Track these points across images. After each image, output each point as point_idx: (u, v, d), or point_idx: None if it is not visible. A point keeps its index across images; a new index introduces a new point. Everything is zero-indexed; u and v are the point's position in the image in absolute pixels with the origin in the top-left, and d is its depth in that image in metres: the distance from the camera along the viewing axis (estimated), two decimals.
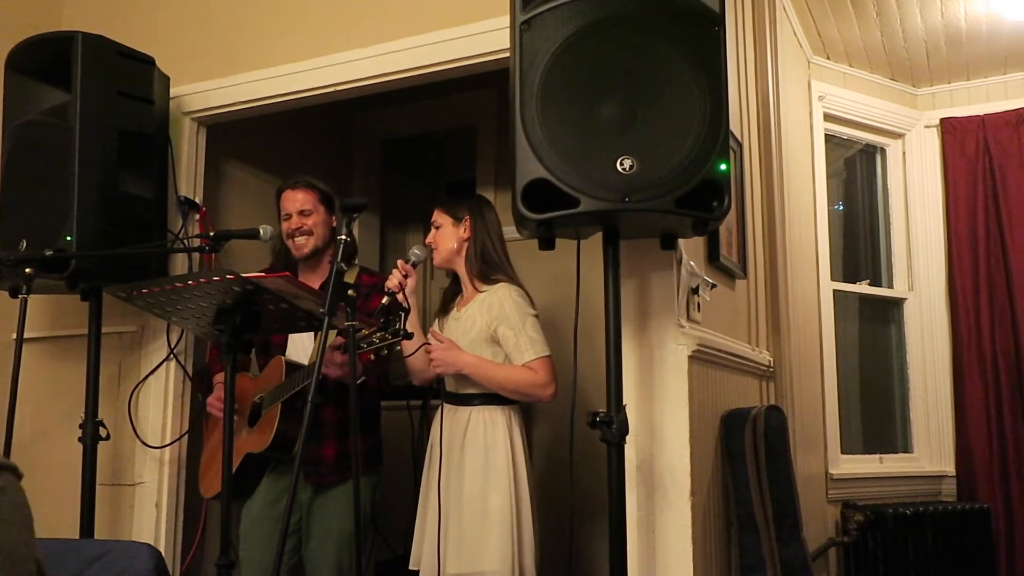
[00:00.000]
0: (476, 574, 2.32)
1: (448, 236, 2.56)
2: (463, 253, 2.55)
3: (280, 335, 2.73)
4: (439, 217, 2.59)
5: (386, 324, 2.19)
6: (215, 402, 2.69)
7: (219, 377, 2.76)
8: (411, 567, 2.50)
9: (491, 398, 2.44)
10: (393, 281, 2.40)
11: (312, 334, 2.69)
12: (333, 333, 2.29)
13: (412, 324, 2.48)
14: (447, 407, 2.52)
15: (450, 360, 2.37)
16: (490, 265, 2.52)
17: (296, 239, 2.72)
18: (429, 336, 2.52)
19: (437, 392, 2.67)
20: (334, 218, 2.77)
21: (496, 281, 2.50)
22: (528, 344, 2.39)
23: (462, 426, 2.43)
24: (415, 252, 2.47)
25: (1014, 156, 4.18)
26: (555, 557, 2.72)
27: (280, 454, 2.56)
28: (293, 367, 2.60)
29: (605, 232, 2.02)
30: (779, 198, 3.33)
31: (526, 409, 2.60)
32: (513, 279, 2.53)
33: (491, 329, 2.43)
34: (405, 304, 2.31)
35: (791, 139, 3.64)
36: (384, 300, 2.28)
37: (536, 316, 2.46)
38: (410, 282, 2.44)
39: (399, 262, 2.45)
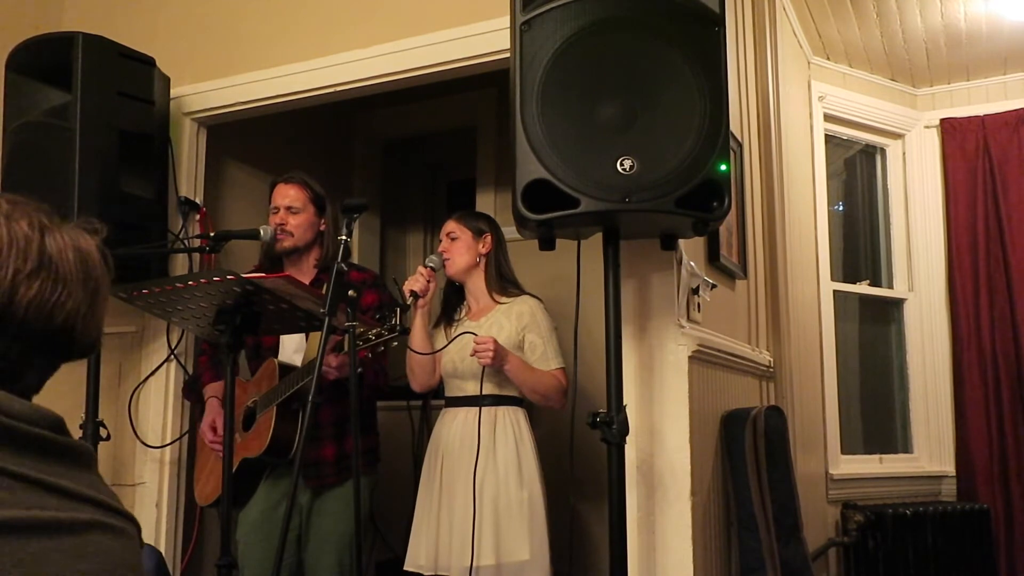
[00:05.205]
0: (516, 563, 2.36)
1: (466, 249, 2.59)
2: (480, 266, 2.60)
3: (271, 338, 2.72)
4: (457, 229, 2.61)
5: (381, 319, 2.21)
6: (207, 430, 2.65)
7: (209, 390, 2.74)
8: (407, 567, 2.49)
9: (512, 400, 2.51)
10: (419, 284, 2.45)
11: (304, 336, 2.68)
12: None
13: (422, 329, 2.52)
14: (466, 409, 2.52)
15: (502, 353, 2.39)
16: (506, 279, 2.62)
17: (277, 235, 2.67)
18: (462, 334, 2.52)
19: (437, 394, 2.67)
20: (323, 221, 2.73)
21: (515, 293, 2.59)
22: (554, 353, 2.51)
23: (490, 425, 2.47)
24: (433, 259, 2.56)
25: (1014, 156, 4.17)
26: (556, 557, 2.71)
27: (277, 458, 2.55)
28: (286, 369, 2.59)
29: (605, 232, 2.02)
30: (779, 198, 3.33)
31: (528, 409, 2.60)
32: (525, 291, 2.61)
33: (519, 335, 2.50)
34: (401, 301, 2.37)
35: (791, 139, 3.64)
36: (409, 299, 2.39)
37: (555, 329, 2.56)
38: (431, 287, 2.49)
39: (420, 268, 2.50)
